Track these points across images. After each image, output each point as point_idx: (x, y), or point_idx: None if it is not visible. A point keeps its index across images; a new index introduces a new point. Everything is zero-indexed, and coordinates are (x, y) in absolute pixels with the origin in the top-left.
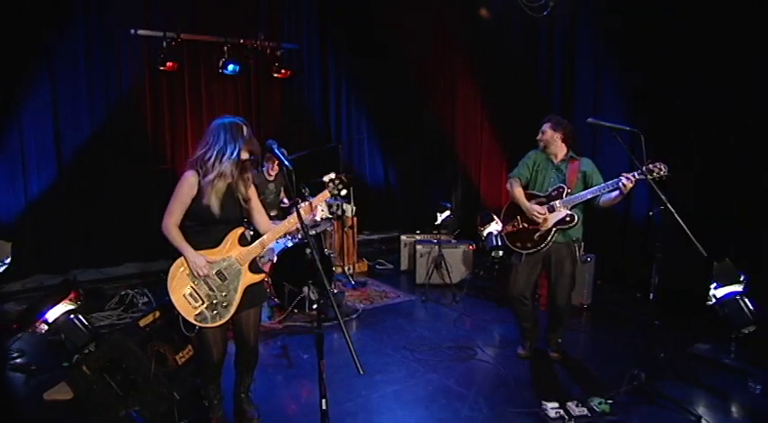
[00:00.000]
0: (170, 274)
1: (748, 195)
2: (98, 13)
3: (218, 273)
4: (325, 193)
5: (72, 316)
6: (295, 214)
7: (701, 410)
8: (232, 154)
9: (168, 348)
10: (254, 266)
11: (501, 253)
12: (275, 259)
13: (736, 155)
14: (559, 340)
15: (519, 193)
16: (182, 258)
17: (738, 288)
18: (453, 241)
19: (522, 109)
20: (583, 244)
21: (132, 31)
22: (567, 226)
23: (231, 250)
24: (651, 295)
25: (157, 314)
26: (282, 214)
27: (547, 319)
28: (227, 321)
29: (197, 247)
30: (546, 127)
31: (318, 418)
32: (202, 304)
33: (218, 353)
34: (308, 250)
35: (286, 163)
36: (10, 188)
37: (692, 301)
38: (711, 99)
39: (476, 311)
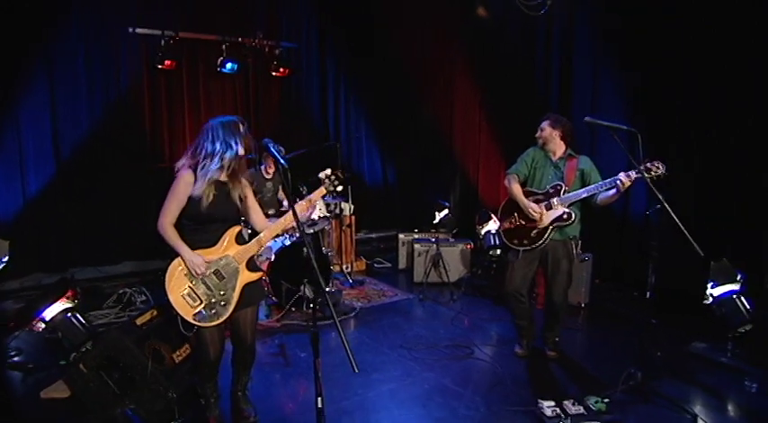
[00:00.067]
0: (168, 274)
1: (748, 195)
2: (96, 11)
3: (216, 272)
4: (322, 190)
5: (69, 314)
6: (291, 211)
7: (697, 409)
8: (230, 152)
9: (165, 346)
10: (251, 265)
11: (499, 252)
12: (273, 258)
13: (736, 155)
14: (556, 339)
15: (517, 189)
16: (179, 258)
17: (735, 287)
18: (451, 240)
19: (520, 108)
20: (580, 242)
21: (130, 29)
22: (564, 223)
23: (228, 249)
24: (648, 294)
25: (155, 312)
26: (280, 214)
27: (544, 318)
28: (225, 320)
29: (194, 246)
30: (545, 124)
31: (315, 417)
32: (201, 304)
33: (215, 351)
34: (304, 249)
35: (281, 161)
36: (8, 187)
37: (688, 299)
38: (711, 99)
39: (473, 310)
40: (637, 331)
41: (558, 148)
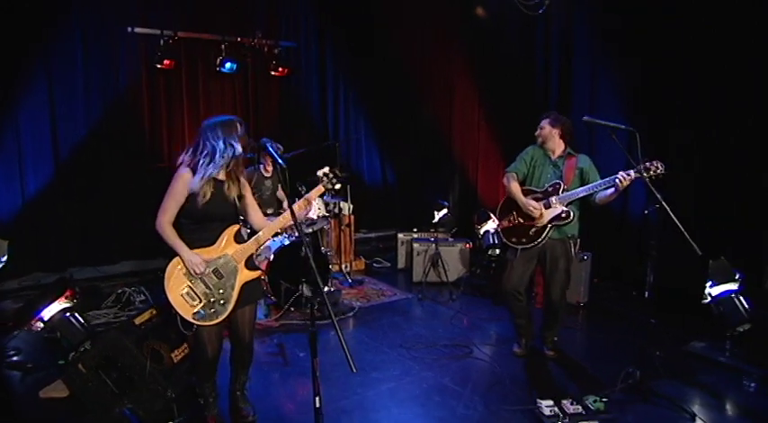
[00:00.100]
0: (167, 274)
1: (748, 195)
2: (95, 11)
3: (215, 270)
4: (320, 188)
5: (68, 314)
6: (289, 210)
7: (695, 408)
8: (228, 151)
9: (164, 346)
10: (250, 263)
11: (497, 251)
12: (272, 257)
13: (736, 155)
14: (555, 338)
15: (515, 188)
16: (178, 257)
17: (734, 286)
18: (450, 239)
19: (520, 108)
20: (579, 241)
21: (129, 28)
22: (562, 222)
23: (227, 248)
24: (646, 293)
25: (153, 312)
26: (279, 213)
27: (542, 317)
28: (224, 319)
29: (192, 245)
30: (545, 122)
31: (313, 416)
32: (200, 303)
33: (213, 350)
34: (303, 249)
35: (279, 160)
36: (7, 187)
37: (687, 299)
38: (711, 99)
39: (472, 309)
40: (635, 330)
41: (558, 146)
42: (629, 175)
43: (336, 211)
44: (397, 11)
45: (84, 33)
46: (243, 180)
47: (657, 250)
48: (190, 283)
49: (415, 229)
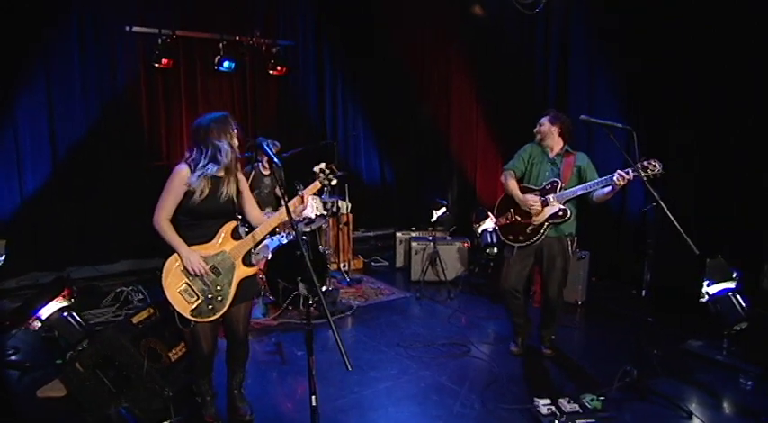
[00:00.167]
0: (164, 270)
1: (748, 195)
2: (93, 10)
3: (213, 267)
4: (316, 184)
5: (65, 313)
6: (285, 207)
7: (692, 407)
8: (225, 147)
9: (161, 345)
10: (246, 260)
11: (496, 250)
12: (270, 256)
13: (736, 155)
14: (553, 337)
15: (513, 185)
16: (176, 254)
17: (731, 285)
18: (448, 238)
19: (518, 107)
20: (576, 239)
21: (127, 27)
22: (559, 221)
23: (224, 244)
24: (644, 292)
25: (151, 311)
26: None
27: (540, 315)
28: (221, 315)
29: (189, 242)
30: (544, 120)
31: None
32: (197, 299)
33: (208, 345)
34: (298, 251)
35: (275, 159)
36: (5, 186)
37: (684, 297)
38: (711, 99)
39: (470, 308)
40: (633, 329)
41: (556, 144)
42: (626, 173)
43: (335, 209)
44: (396, 10)
45: (81, 33)
46: (241, 176)
47: (655, 249)
48: (188, 280)
49: (413, 228)
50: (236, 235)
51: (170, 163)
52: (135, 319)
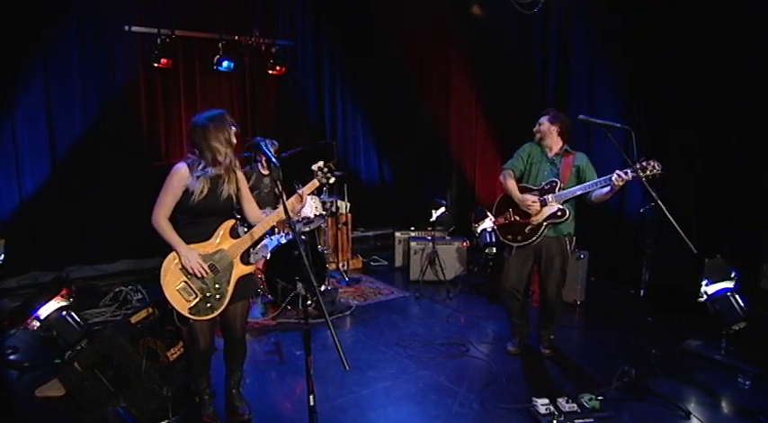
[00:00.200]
0: (163, 269)
1: (749, 195)
2: (92, 10)
3: (211, 266)
4: (315, 182)
5: (64, 313)
6: (282, 205)
7: (691, 406)
8: (223, 146)
9: (160, 345)
10: (245, 258)
11: (495, 250)
12: (269, 256)
13: (738, 155)
14: (551, 337)
15: (512, 185)
16: (174, 252)
17: (730, 285)
18: (447, 238)
19: (518, 107)
20: (575, 239)
21: (126, 27)
22: (558, 220)
23: (223, 243)
24: (642, 292)
25: (149, 311)
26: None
27: (539, 315)
28: (219, 313)
29: (188, 240)
30: (544, 119)
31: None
32: (196, 297)
33: (206, 342)
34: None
35: (273, 159)
36: (4, 186)
37: (683, 297)
38: (713, 99)
39: (469, 308)
40: (632, 329)
41: (555, 144)
42: (625, 174)
43: (334, 209)
44: (396, 10)
45: (81, 32)
46: (240, 175)
47: (654, 249)
48: (186, 278)
49: (412, 228)
50: (234, 233)
51: (169, 162)
52: (133, 319)
